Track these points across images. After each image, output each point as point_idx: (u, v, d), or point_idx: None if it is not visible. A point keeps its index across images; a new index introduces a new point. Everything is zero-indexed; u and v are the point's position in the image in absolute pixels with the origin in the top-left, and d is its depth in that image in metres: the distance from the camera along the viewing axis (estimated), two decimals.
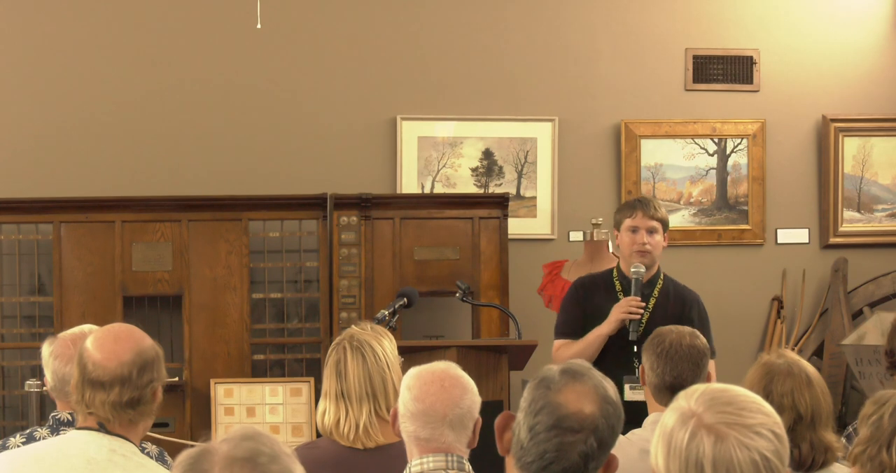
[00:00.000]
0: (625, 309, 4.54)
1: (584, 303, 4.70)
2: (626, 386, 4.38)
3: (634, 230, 4.63)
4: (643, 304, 4.55)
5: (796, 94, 6.75)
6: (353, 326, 3.46)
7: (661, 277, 4.71)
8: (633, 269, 4.60)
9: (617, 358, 4.51)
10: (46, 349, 3.35)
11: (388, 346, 3.38)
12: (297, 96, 6.44)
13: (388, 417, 3.23)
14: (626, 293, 4.64)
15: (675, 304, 4.66)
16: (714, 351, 4.46)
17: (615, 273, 4.71)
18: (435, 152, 6.50)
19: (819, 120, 6.76)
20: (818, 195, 6.78)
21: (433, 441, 2.78)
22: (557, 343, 4.69)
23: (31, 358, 5.56)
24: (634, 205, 4.69)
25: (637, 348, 4.52)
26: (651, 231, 4.63)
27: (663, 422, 1.98)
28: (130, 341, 2.78)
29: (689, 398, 1.97)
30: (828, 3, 6.77)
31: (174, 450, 2.74)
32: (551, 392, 2.24)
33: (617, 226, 4.70)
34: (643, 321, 4.56)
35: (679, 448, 1.93)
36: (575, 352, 4.51)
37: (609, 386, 2.28)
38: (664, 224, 4.68)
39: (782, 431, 1.95)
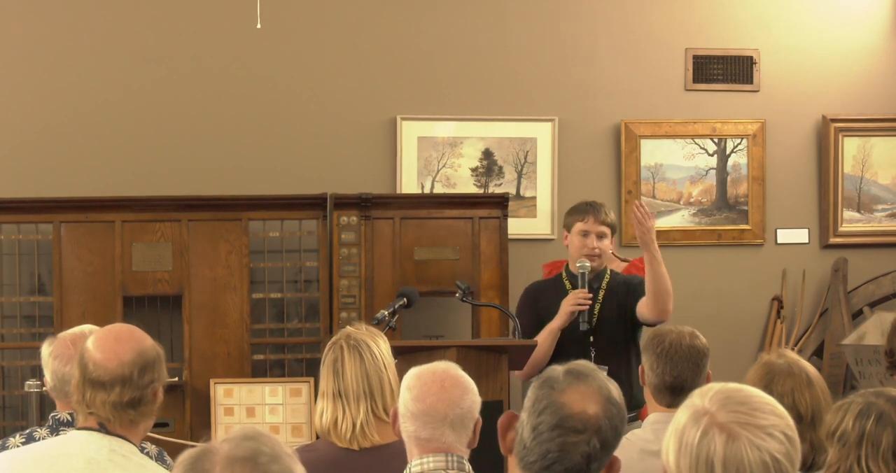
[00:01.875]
0: (572, 301, 4.73)
1: (535, 307, 4.92)
2: None
3: (585, 234, 4.86)
4: (590, 296, 4.73)
5: (796, 94, 6.75)
6: (347, 326, 3.47)
7: (609, 272, 4.91)
8: (578, 264, 4.79)
9: (572, 350, 4.64)
10: (46, 349, 3.35)
11: (383, 346, 3.39)
12: (297, 96, 6.44)
13: (385, 417, 3.24)
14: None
15: (622, 289, 4.85)
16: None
17: (564, 275, 4.89)
18: (435, 152, 6.50)
19: (819, 120, 6.76)
20: (818, 195, 6.78)
21: (433, 442, 2.78)
22: None
23: (31, 358, 5.55)
24: (586, 209, 4.90)
25: (592, 338, 4.73)
26: (601, 236, 4.86)
27: (676, 419, 1.98)
28: (131, 341, 2.78)
29: (703, 396, 1.97)
30: (828, 3, 6.77)
31: (174, 450, 2.74)
32: (555, 392, 2.24)
33: (567, 227, 4.90)
34: (595, 312, 4.78)
35: (690, 445, 1.93)
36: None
37: (613, 387, 2.29)
38: (613, 229, 4.92)
39: (795, 434, 1.95)
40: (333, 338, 3.41)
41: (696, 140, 6.67)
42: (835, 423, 2.66)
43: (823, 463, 3.09)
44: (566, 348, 4.69)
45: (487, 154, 6.53)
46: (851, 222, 6.76)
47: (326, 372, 3.35)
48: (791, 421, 1.96)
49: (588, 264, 4.78)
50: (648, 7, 6.67)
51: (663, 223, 6.63)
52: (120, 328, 2.85)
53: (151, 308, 5.94)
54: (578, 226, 4.86)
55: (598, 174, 6.62)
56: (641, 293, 4.79)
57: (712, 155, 6.68)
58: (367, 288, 5.99)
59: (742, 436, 1.91)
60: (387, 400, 3.27)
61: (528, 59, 6.59)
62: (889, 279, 6.54)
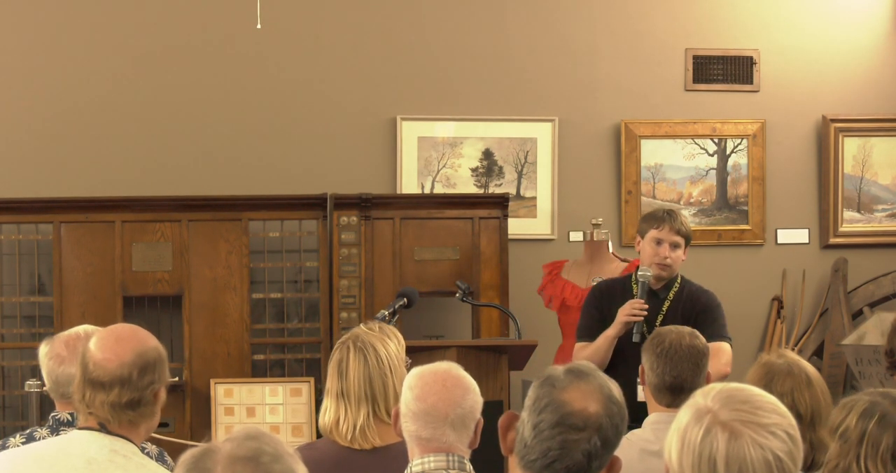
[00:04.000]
0: (628, 311, 4.59)
1: (602, 307, 4.74)
2: (640, 388, 4.41)
3: (659, 242, 4.69)
4: (646, 306, 4.58)
5: (796, 94, 6.75)
6: (361, 325, 3.44)
7: (679, 280, 4.75)
8: (640, 272, 4.66)
9: (630, 360, 4.53)
10: (42, 350, 3.34)
11: (392, 348, 3.36)
12: (298, 96, 6.44)
13: (388, 419, 3.23)
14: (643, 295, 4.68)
15: (687, 305, 4.70)
16: (728, 337, 4.56)
17: (634, 277, 4.75)
18: (435, 152, 6.50)
19: (819, 120, 6.76)
20: (818, 195, 6.78)
21: (434, 441, 2.78)
22: (577, 345, 4.75)
23: (31, 358, 5.53)
24: (663, 217, 4.73)
25: None
26: (674, 246, 4.69)
27: (678, 418, 1.98)
28: (132, 342, 2.77)
29: (705, 396, 1.97)
30: (828, 3, 6.78)
31: (175, 450, 2.74)
32: (556, 390, 2.24)
33: (641, 234, 4.74)
34: (657, 323, 4.60)
35: (693, 443, 1.92)
36: (587, 355, 4.61)
37: (614, 386, 2.29)
38: (687, 239, 4.75)
39: (797, 434, 1.95)
40: (343, 337, 3.40)
41: (696, 140, 6.67)
42: (838, 420, 2.66)
43: (823, 463, 3.09)
44: (626, 356, 4.53)
45: (487, 154, 6.53)
46: (851, 222, 6.77)
47: (332, 371, 3.34)
48: (793, 421, 1.97)
49: (650, 273, 4.63)
50: (648, 7, 6.67)
51: None
52: (122, 328, 2.84)
53: (151, 308, 5.94)
54: (653, 233, 4.69)
55: (598, 174, 6.62)
56: (705, 321, 4.58)
57: (712, 155, 6.69)
58: (367, 288, 5.99)
59: (745, 434, 1.91)
60: (389, 404, 3.25)
61: (528, 59, 6.59)
62: (889, 279, 6.54)
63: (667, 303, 4.66)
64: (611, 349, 4.60)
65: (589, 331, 4.71)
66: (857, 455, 2.59)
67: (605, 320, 4.67)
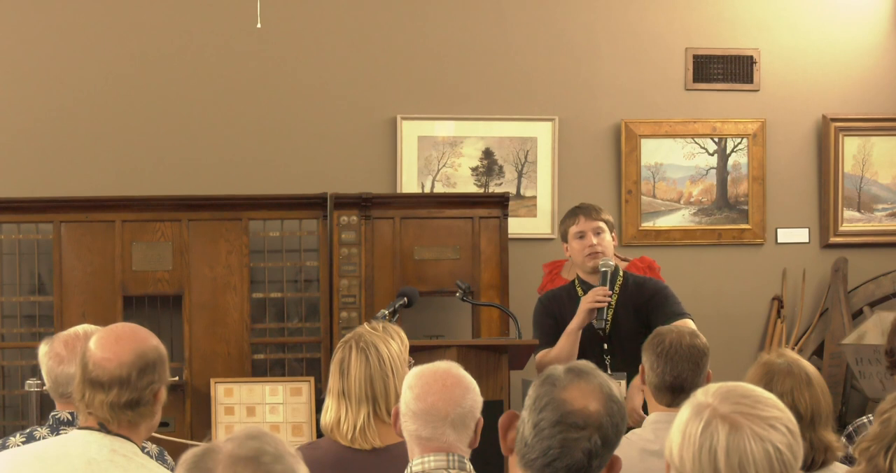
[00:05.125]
0: (591, 299, 4.58)
1: (553, 314, 4.75)
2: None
3: (581, 235, 4.70)
4: (610, 293, 4.59)
5: (796, 94, 6.75)
6: (364, 324, 3.44)
7: (621, 274, 4.77)
8: (601, 264, 4.65)
9: (590, 356, 4.53)
10: (42, 349, 3.34)
11: (395, 348, 3.35)
12: (298, 96, 6.44)
13: (388, 420, 3.22)
14: None
15: (634, 294, 4.71)
16: (689, 314, 4.59)
17: (577, 282, 4.76)
18: (435, 152, 6.50)
19: (819, 119, 6.77)
20: (818, 195, 6.78)
21: (434, 441, 2.78)
22: (538, 355, 4.73)
23: (31, 358, 5.53)
24: (575, 212, 4.79)
25: (607, 344, 4.62)
26: (597, 232, 4.70)
27: (679, 415, 1.99)
28: (132, 342, 2.76)
29: (705, 393, 1.98)
30: (828, 3, 6.78)
31: (174, 450, 2.74)
32: (556, 389, 2.25)
33: (563, 237, 4.77)
34: (608, 318, 4.62)
35: (693, 436, 1.93)
36: (554, 356, 4.58)
37: (613, 385, 2.29)
38: (609, 224, 4.76)
39: (796, 428, 1.95)
40: (346, 336, 3.40)
41: (697, 139, 6.67)
42: (887, 407, 2.65)
43: (823, 463, 3.09)
44: (588, 355, 4.50)
45: (488, 153, 6.53)
46: (851, 222, 6.77)
47: (333, 370, 3.35)
48: (792, 417, 1.97)
49: (612, 262, 4.65)
50: (648, 7, 6.67)
51: (663, 223, 6.64)
52: (123, 327, 2.83)
53: (151, 308, 5.94)
54: (573, 229, 4.74)
55: (599, 173, 6.62)
56: (660, 303, 4.64)
57: (712, 154, 6.69)
58: (367, 287, 5.99)
59: (745, 427, 1.91)
60: (390, 404, 3.24)
61: (528, 59, 6.59)
62: (889, 279, 6.55)
63: (615, 297, 4.67)
64: (576, 344, 4.59)
65: (547, 338, 4.69)
66: (887, 446, 2.58)
67: (560, 326, 4.65)
